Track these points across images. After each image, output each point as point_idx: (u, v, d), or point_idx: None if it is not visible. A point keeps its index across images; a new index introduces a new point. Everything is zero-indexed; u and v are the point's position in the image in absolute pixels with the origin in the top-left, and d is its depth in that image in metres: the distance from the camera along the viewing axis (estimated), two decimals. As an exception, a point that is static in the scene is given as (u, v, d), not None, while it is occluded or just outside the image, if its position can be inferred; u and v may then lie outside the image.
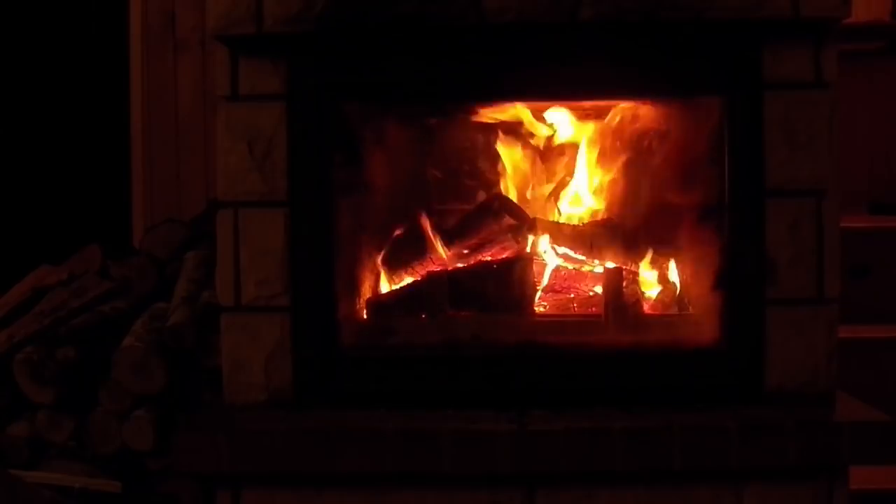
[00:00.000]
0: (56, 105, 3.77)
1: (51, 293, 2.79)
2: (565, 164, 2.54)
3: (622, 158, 2.48)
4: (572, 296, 2.46)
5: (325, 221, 2.22)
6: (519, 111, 2.47)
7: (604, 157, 2.50)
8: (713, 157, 2.23)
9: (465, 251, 2.49)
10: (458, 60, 2.21)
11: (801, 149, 2.17)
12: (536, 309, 2.40)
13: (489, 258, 2.47)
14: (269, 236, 2.21)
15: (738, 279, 2.18)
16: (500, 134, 2.52)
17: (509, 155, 2.54)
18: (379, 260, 2.45)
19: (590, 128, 2.50)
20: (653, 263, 2.43)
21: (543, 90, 2.27)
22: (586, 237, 2.45)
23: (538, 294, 2.42)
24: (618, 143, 2.48)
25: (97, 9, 3.75)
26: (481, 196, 2.57)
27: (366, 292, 2.39)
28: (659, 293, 2.41)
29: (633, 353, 2.22)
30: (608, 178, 2.51)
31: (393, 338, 2.32)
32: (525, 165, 2.55)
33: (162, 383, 2.46)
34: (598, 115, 2.49)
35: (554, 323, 2.37)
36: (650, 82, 2.23)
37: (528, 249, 2.46)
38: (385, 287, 2.45)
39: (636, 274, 2.42)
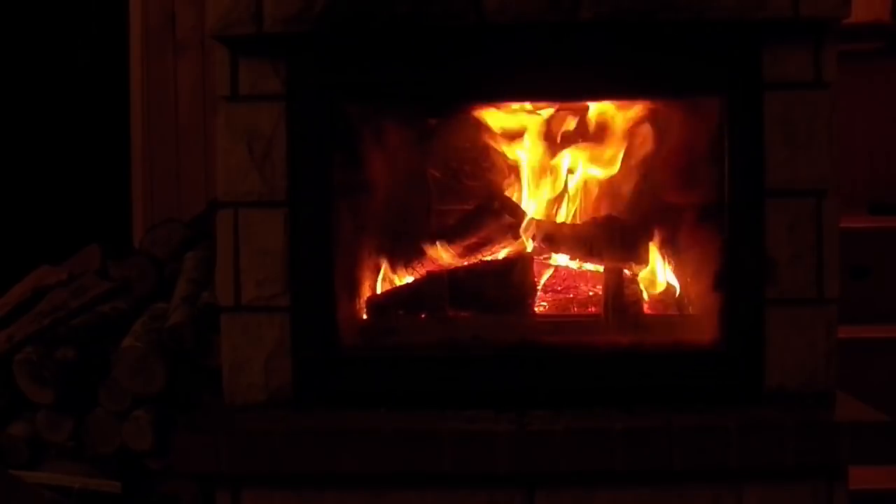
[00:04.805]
0: (56, 105, 3.77)
1: (51, 293, 2.79)
2: (565, 164, 2.54)
3: (622, 158, 2.48)
4: (572, 296, 2.46)
5: (325, 221, 2.22)
6: (519, 111, 2.47)
7: (604, 157, 2.50)
8: (713, 157, 2.23)
9: (465, 251, 2.49)
10: (458, 60, 2.21)
11: (801, 149, 2.17)
12: (536, 309, 2.40)
13: (489, 258, 2.47)
14: (269, 236, 2.21)
15: (738, 279, 2.18)
16: (500, 133, 2.52)
17: (509, 155, 2.54)
18: (379, 259, 2.45)
19: (589, 128, 2.50)
20: (652, 263, 2.43)
21: (543, 90, 2.27)
22: (586, 237, 2.45)
23: (538, 294, 2.42)
24: (618, 143, 2.48)
25: (97, 9, 3.75)
26: (481, 196, 2.56)
27: (366, 292, 2.39)
28: (659, 293, 2.41)
29: (633, 353, 2.22)
30: (608, 177, 2.51)
31: (393, 338, 2.32)
32: (525, 165, 2.55)
33: (161, 383, 2.46)
34: (598, 114, 2.48)
35: (554, 323, 2.37)
36: (650, 82, 2.23)
37: (527, 249, 2.45)
38: (385, 287, 2.45)
39: (636, 274, 2.42)
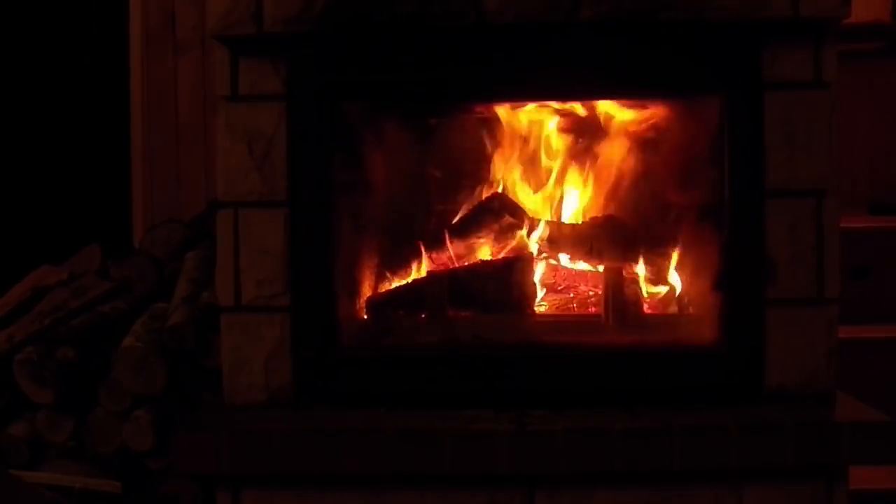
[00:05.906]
0: (56, 105, 3.77)
1: (51, 293, 2.79)
2: (565, 164, 2.54)
3: (622, 158, 2.48)
4: (572, 296, 2.46)
5: (325, 221, 2.22)
6: (518, 111, 2.47)
7: (604, 157, 2.50)
8: (713, 157, 2.23)
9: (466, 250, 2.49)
10: (458, 60, 2.21)
11: (801, 149, 2.17)
12: (536, 309, 2.40)
13: (489, 258, 2.47)
14: (269, 236, 2.21)
15: (738, 279, 2.18)
16: (500, 133, 2.52)
17: (509, 154, 2.54)
18: (380, 259, 2.45)
19: (590, 128, 2.50)
20: (653, 263, 2.43)
21: (543, 90, 2.27)
22: (586, 237, 2.45)
23: (538, 294, 2.42)
24: (618, 143, 2.48)
25: (97, 9, 3.75)
26: (481, 195, 2.57)
27: (366, 292, 2.39)
28: (659, 293, 2.41)
29: (633, 353, 2.22)
30: (608, 177, 2.51)
31: (393, 338, 2.32)
32: (525, 165, 2.55)
33: (162, 383, 2.46)
34: (598, 114, 2.48)
35: (554, 323, 2.37)
36: (650, 82, 2.23)
37: (528, 249, 2.46)
38: (385, 287, 2.45)
39: (636, 274, 2.42)
